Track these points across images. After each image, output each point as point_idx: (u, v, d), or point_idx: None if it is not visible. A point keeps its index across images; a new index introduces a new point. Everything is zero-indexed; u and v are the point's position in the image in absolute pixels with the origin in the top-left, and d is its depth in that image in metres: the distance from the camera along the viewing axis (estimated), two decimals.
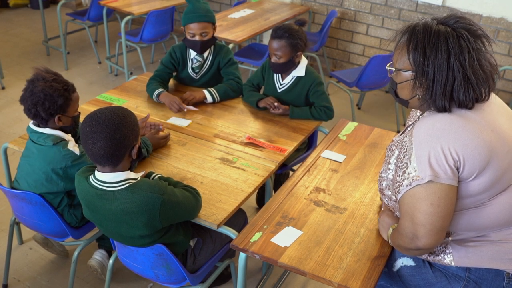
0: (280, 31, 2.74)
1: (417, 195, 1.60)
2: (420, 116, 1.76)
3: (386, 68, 1.74)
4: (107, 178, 1.87)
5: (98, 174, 1.89)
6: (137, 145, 1.92)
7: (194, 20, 2.91)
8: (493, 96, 1.71)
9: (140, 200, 1.84)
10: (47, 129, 2.23)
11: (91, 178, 1.91)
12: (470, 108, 1.63)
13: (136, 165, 2.29)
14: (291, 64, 2.81)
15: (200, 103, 2.97)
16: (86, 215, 2.04)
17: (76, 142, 2.36)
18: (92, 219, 2.01)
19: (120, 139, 1.82)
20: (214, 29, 3.01)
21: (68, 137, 2.28)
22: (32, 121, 2.29)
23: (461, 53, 1.56)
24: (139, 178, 1.93)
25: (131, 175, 1.91)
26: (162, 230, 1.96)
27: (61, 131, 2.26)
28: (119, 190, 1.86)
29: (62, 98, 2.18)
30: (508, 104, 4.57)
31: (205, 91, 2.98)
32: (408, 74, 1.66)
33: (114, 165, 1.86)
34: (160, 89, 2.95)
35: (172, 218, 1.96)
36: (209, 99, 2.97)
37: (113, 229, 1.96)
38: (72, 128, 2.31)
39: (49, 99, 2.15)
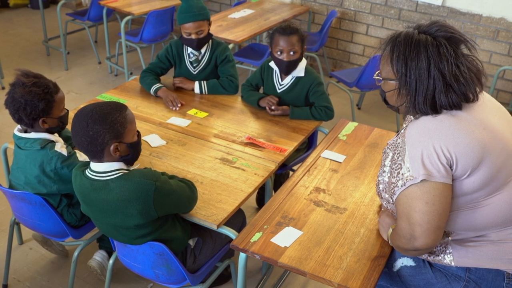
0: (289, 28, 2.78)
1: (411, 195, 1.61)
2: (413, 118, 1.78)
3: (374, 77, 1.78)
4: (101, 168, 1.90)
5: (92, 165, 1.92)
6: (118, 144, 1.88)
7: (188, 20, 2.93)
8: (485, 95, 1.74)
9: (133, 187, 1.84)
10: (32, 133, 2.22)
11: (87, 171, 1.95)
12: (459, 109, 1.65)
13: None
14: (301, 59, 2.84)
15: (192, 97, 3.04)
16: (83, 210, 2.05)
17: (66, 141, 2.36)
18: (89, 214, 2.03)
19: (93, 136, 1.84)
20: (209, 24, 3.03)
21: (55, 137, 2.26)
22: (16, 128, 2.28)
23: (440, 62, 1.60)
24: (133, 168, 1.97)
25: (125, 166, 1.95)
26: (157, 221, 1.96)
27: (47, 132, 2.24)
28: (112, 179, 1.88)
29: (44, 102, 2.15)
30: (508, 104, 4.57)
31: (196, 81, 3.10)
32: (393, 83, 1.70)
33: (97, 159, 1.90)
34: (159, 84, 3.03)
35: (168, 207, 1.96)
36: (197, 89, 3.09)
37: (109, 221, 1.96)
38: (59, 128, 2.28)
39: (30, 105, 2.13)
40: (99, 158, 1.89)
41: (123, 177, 1.88)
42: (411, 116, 1.90)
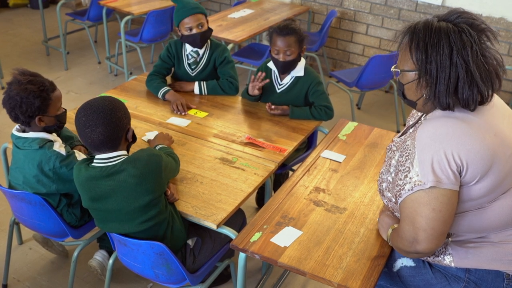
0: (286, 28, 2.77)
1: (419, 200, 1.59)
2: (423, 119, 1.75)
3: (391, 70, 1.71)
4: (109, 155, 1.96)
5: (99, 155, 1.98)
6: (131, 128, 2.03)
7: (188, 14, 2.93)
8: (497, 99, 1.70)
9: (145, 161, 1.95)
10: (31, 133, 2.22)
11: (92, 163, 1.99)
12: (472, 110, 1.61)
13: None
14: (298, 60, 2.84)
15: (191, 98, 3.05)
16: (86, 205, 2.05)
17: (64, 140, 2.36)
18: (95, 207, 2.03)
19: (116, 122, 1.94)
20: (207, 22, 3.03)
21: (53, 137, 2.26)
22: (15, 128, 2.28)
23: (463, 48, 1.54)
24: None
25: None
26: (163, 200, 2.04)
27: (45, 131, 2.24)
28: (122, 161, 1.96)
29: (39, 99, 2.15)
30: (508, 104, 4.57)
31: (196, 82, 3.09)
32: (412, 74, 1.64)
33: (114, 149, 1.97)
34: (167, 88, 3.01)
35: (168, 175, 2.11)
36: (196, 90, 3.09)
37: (122, 207, 1.97)
38: (57, 127, 2.28)
39: (25, 102, 2.13)
40: (115, 147, 1.97)
41: (132, 157, 1.97)
42: (418, 114, 1.88)
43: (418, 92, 1.65)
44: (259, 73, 2.87)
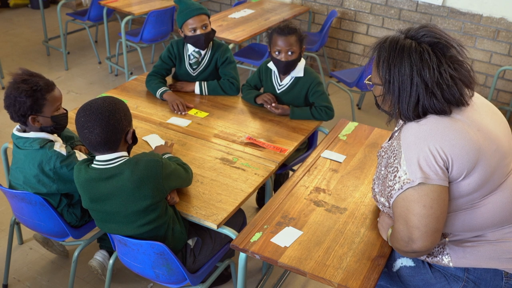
0: (287, 28, 2.78)
1: (409, 198, 1.60)
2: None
3: (365, 82, 1.80)
4: (108, 157, 1.95)
5: (98, 157, 1.97)
6: (131, 130, 2.02)
7: (192, 14, 2.93)
8: (476, 96, 1.73)
9: (144, 165, 1.94)
10: (31, 133, 2.22)
11: (92, 164, 1.99)
12: (446, 114, 1.64)
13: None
14: (299, 59, 2.84)
15: (192, 98, 3.05)
16: (86, 206, 2.05)
17: (64, 141, 2.36)
18: (95, 208, 2.03)
19: (114, 124, 1.93)
20: (210, 23, 3.04)
21: (54, 137, 2.26)
22: (15, 128, 2.28)
23: (422, 69, 1.59)
24: None
25: (127, 154, 2.04)
26: (163, 205, 2.03)
27: (45, 132, 2.24)
28: (121, 163, 1.95)
29: (31, 99, 2.15)
30: (508, 104, 4.57)
31: (196, 82, 3.09)
32: (380, 89, 1.71)
33: (113, 151, 1.96)
34: (165, 88, 3.01)
35: (172, 183, 2.06)
36: (197, 90, 3.08)
37: (118, 209, 1.97)
38: (55, 128, 2.27)
39: (18, 101, 2.14)
40: (114, 148, 1.96)
41: (132, 160, 1.96)
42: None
43: (386, 106, 1.73)
44: (273, 105, 2.86)
